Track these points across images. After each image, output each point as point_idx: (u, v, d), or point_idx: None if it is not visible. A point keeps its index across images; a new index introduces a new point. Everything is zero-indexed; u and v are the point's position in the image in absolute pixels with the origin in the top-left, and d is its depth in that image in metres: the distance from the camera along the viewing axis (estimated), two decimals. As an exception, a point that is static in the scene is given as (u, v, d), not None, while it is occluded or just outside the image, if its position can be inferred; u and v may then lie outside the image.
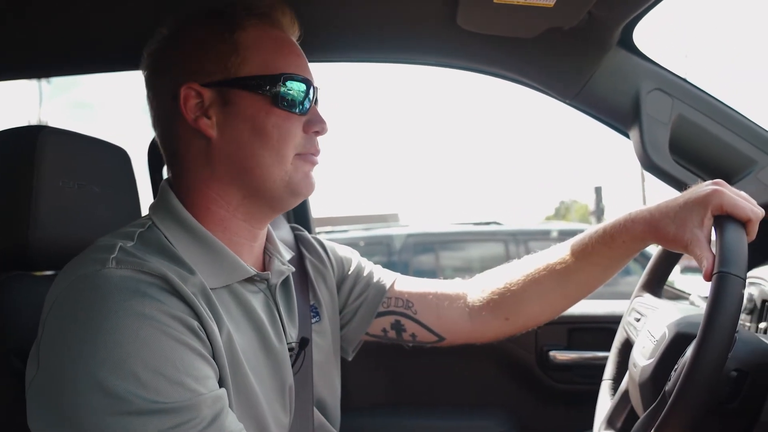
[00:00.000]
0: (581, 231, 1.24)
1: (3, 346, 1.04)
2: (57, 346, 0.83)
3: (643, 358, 1.17)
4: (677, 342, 1.09)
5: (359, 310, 1.34)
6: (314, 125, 1.06)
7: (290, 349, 1.10)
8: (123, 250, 0.91)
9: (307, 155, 1.06)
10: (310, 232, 1.52)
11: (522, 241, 7.37)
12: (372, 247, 7.29)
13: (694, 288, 1.85)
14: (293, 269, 1.17)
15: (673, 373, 1.01)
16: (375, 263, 1.44)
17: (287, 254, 1.19)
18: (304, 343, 1.13)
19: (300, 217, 2.23)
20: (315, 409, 1.20)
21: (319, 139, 1.09)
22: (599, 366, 1.55)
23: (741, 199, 0.99)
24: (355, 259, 1.40)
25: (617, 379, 1.44)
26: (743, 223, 0.97)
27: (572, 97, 1.60)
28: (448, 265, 7.55)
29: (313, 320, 1.24)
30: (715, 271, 0.89)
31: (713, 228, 1.00)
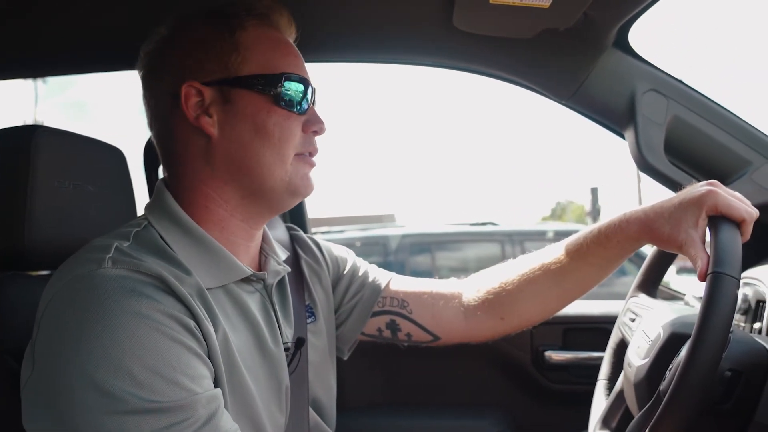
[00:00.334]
0: (577, 232, 1.25)
1: (-2, 346, 1.04)
2: (52, 346, 0.83)
3: (638, 358, 1.17)
4: (672, 342, 1.09)
5: (354, 310, 1.34)
6: (313, 125, 1.07)
7: (286, 349, 1.10)
8: (119, 250, 0.91)
9: (306, 156, 1.07)
10: (306, 232, 1.52)
11: (518, 241, 7.37)
12: (368, 248, 7.29)
13: (689, 288, 1.85)
14: (289, 269, 1.17)
15: (667, 373, 1.01)
16: (371, 264, 1.44)
17: (283, 254, 1.19)
18: (300, 343, 1.13)
19: (296, 217, 2.23)
20: (311, 409, 1.20)
21: (317, 139, 1.10)
22: (594, 366, 1.55)
23: (735, 200, 1.00)
24: (350, 258, 1.40)
25: (612, 379, 1.44)
26: (737, 224, 0.98)
27: (568, 97, 1.60)
28: (445, 266, 7.55)
29: (309, 320, 1.24)
30: (709, 272, 0.89)
31: (708, 228, 1.00)
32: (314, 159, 1.09)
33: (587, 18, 1.36)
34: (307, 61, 1.11)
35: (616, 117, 1.57)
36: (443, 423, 2.02)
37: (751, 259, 1.40)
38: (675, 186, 1.40)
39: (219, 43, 1.02)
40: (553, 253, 1.25)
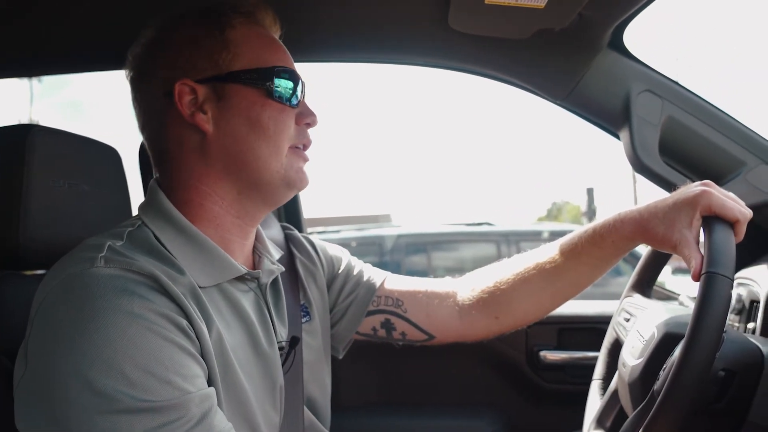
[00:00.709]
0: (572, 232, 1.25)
1: (-8, 346, 1.03)
2: (45, 345, 0.83)
3: (632, 357, 1.17)
4: (666, 342, 1.09)
5: (349, 309, 1.34)
6: (306, 117, 1.08)
7: (280, 349, 1.10)
8: (112, 249, 0.91)
9: (300, 150, 1.08)
10: (301, 231, 1.52)
11: (514, 241, 7.38)
12: (364, 248, 7.29)
13: (683, 288, 1.86)
14: (283, 269, 1.17)
15: (661, 372, 1.02)
16: (367, 263, 1.44)
17: (276, 253, 1.19)
18: (294, 342, 1.14)
19: (291, 216, 2.23)
20: (306, 409, 1.20)
21: (311, 132, 1.11)
22: (589, 366, 1.56)
23: (729, 200, 1.00)
24: (345, 258, 1.40)
25: (607, 379, 1.45)
26: (731, 224, 0.98)
27: (563, 98, 1.60)
28: (440, 266, 7.55)
29: (304, 320, 1.24)
30: (703, 272, 0.90)
31: (702, 229, 1.00)
32: (308, 153, 1.10)
33: (582, 18, 1.37)
34: (302, 61, 1.12)
35: (611, 117, 1.57)
36: (438, 422, 2.03)
37: (744, 259, 1.40)
38: (669, 186, 1.41)
39: (209, 41, 1.03)
40: (548, 252, 1.25)
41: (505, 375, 2.05)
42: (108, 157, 1.31)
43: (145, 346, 0.81)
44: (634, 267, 1.48)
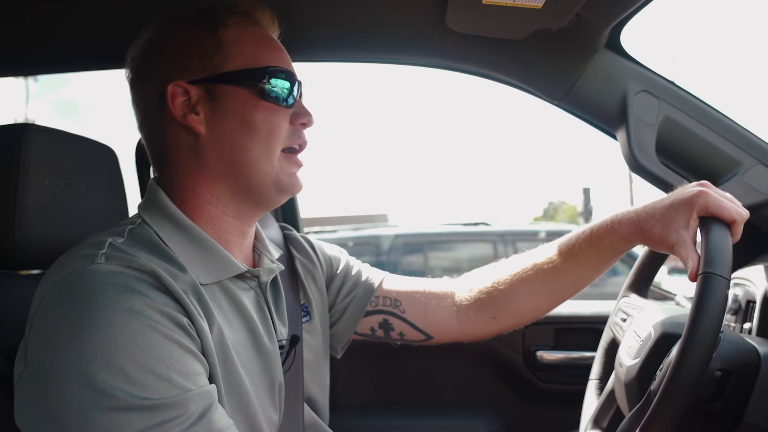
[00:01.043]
0: (569, 232, 1.25)
1: (-12, 346, 1.03)
2: (45, 343, 0.82)
3: (629, 357, 1.18)
4: (663, 342, 1.09)
5: (348, 309, 1.34)
6: (301, 117, 1.07)
7: (281, 347, 1.10)
8: (112, 246, 0.90)
9: (293, 156, 1.07)
10: (298, 231, 1.52)
11: (510, 241, 7.39)
12: (361, 248, 7.29)
13: (680, 288, 1.86)
14: (282, 267, 1.17)
15: (658, 372, 1.02)
16: (365, 264, 1.44)
17: (276, 253, 1.19)
18: (294, 340, 1.14)
19: (288, 217, 2.23)
20: (307, 407, 1.20)
21: (307, 134, 1.10)
22: (586, 366, 1.56)
23: (726, 201, 1.00)
24: (343, 258, 1.40)
25: (604, 379, 1.45)
26: (728, 225, 0.98)
27: (560, 98, 1.60)
28: (437, 266, 7.56)
29: (304, 319, 1.24)
30: (700, 272, 0.90)
31: (699, 229, 1.00)
32: (303, 157, 1.10)
33: (579, 19, 1.37)
34: (299, 61, 1.11)
35: (608, 118, 1.57)
36: (435, 422, 2.03)
37: (741, 260, 1.40)
38: (666, 187, 1.41)
39: (202, 42, 1.02)
40: (546, 252, 1.25)
41: (503, 375, 2.05)
42: (104, 156, 1.30)
43: (145, 344, 0.81)
44: (630, 267, 1.48)
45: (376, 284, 1.35)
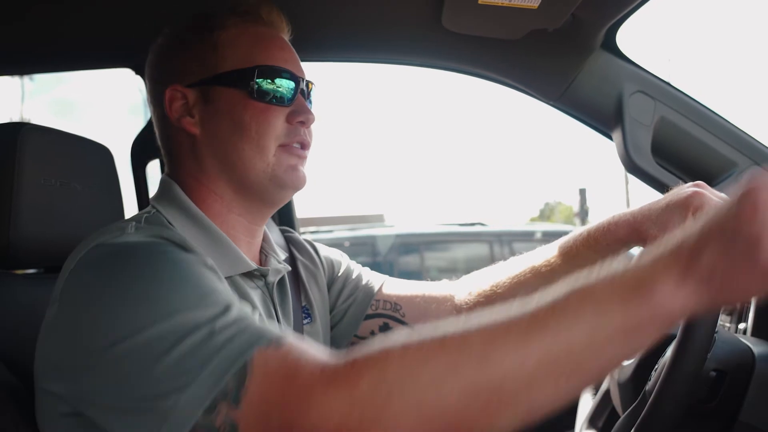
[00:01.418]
0: (566, 232, 1.25)
1: (-18, 346, 1.03)
2: (83, 305, 0.80)
3: (624, 358, 1.18)
4: (658, 342, 1.10)
5: (348, 313, 1.33)
6: (298, 115, 1.05)
7: None
8: (137, 225, 0.90)
9: (291, 147, 1.05)
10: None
11: (507, 242, 7.40)
12: (357, 248, 7.29)
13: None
14: (289, 268, 1.17)
15: (653, 373, 1.02)
16: (360, 264, 1.44)
17: (282, 254, 1.19)
18: None
19: (285, 217, 2.22)
20: None
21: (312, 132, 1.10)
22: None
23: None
24: (344, 261, 1.40)
25: (599, 379, 1.45)
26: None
27: (556, 98, 1.61)
28: (433, 266, 7.57)
29: (305, 321, 1.23)
30: None
31: (694, 230, 1.00)
32: (305, 151, 1.08)
33: (575, 19, 1.37)
34: (294, 61, 1.10)
35: (603, 118, 1.58)
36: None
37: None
38: (662, 187, 1.41)
39: (198, 45, 1.03)
40: (543, 255, 1.25)
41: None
42: (100, 155, 1.30)
43: (193, 274, 0.81)
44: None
45: (376, 288, 1.34)
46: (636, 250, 1.36)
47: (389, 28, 1.55)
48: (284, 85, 1.04)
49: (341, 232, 8.19)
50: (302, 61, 1.13)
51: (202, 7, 1.10)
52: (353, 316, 1.33)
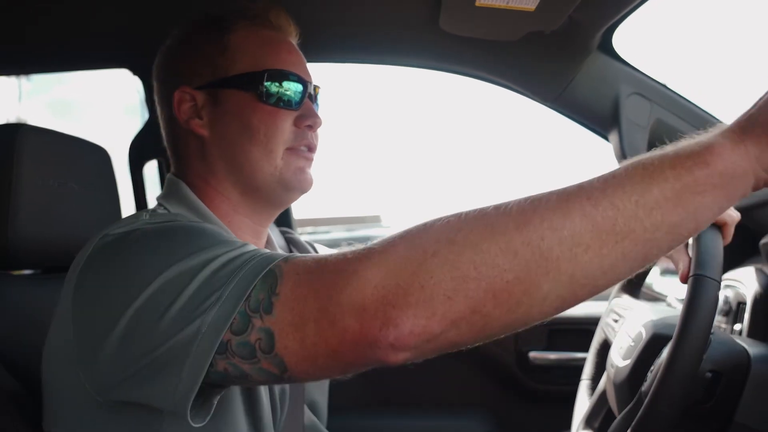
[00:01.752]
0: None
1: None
2: (105, 280, 0.79)
3: (620, 358, 1.18)
4: (654, 343, 1.10)
5: None
6: (306, 119, 1.05)
7: None
8: (151, 214, 0.90)
9: (298, 150, 1.05)
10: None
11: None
12: (354, 248, 7.26)
13: (671, 290, 1.87)
14: None
15: (649, 374, 1.02)
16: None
17: None
18: None
19: (282, 218, 2.22)
20: (307, 410, 1.20)
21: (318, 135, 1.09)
22: (578, 367, 1.56)
23: None
24: None
25: (595, 379, 1.46)
26: (719, 227, 0.99)
27: (553, 100, 1.61)
28: (430, 267, 7.54)
29: None
30: (690, 275, 0.90)
31: (690, 231, 1.00)
32: (312, 154, 1.07)
33: (572, 21, 1.37)
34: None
35: (600, 119, 1.58)
36: (429, 423, 2.03)
37: (732, 261, 1.41)
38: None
39: (208, 47, 1.03)
40: None
41: (495, 376, 2.05)
42: (97, 156, 1.30)
43: (208, 230, 0.80)
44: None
45: None
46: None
47: (386, 30, 1.55)
48: (292, 88, 1.04)
49: (339, 233, 8.17)
50: None
51: (200, 7, 1.10)
52: None
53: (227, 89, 1.02)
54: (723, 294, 1.34)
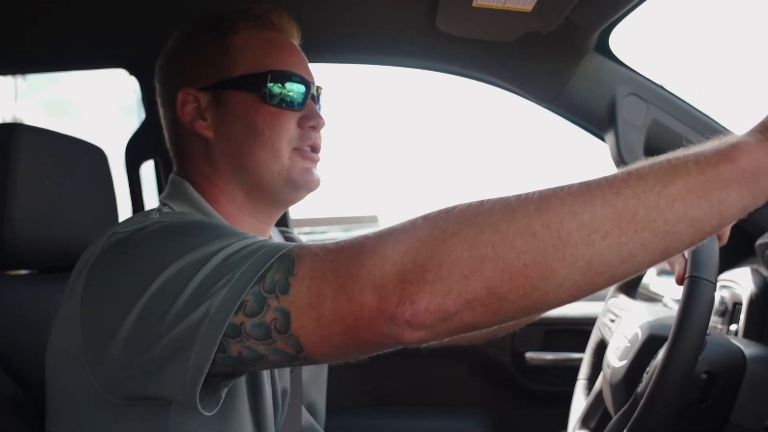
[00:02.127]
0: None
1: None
2: (113, 278, 0.78)
3: (616, 359, 1.18)
4: (649, 344, 1.10)
5: None
6: (309, 120, 1.06)
7: None
8: (160, 213, 0.90)
9: (305, 151, 1.06)
10: (289, 233, 1.52)
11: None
12: (351, 248, 7.26)
13: (667, 290, 1.87)
14: None
15: (645, 374, 1.03)
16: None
17: None
18: None
19: (279, 218, 2.22)
20: (305, 412, 1.20)
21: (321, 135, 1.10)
22: (574, 367, 1.56)
23: None
24: None
25: (592, 379, 1.46)
26: (715, 228, 0.99)
27: (550, 100, 1.61)
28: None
29: None
30: (686, 276, 0.91)
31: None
32: (317, 154, 1.08)
33: (569, 22, 1.38)
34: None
35: (596, 120, 1.58)
36: (426, 424, 2.03)
37: (728, 262, 1.41)
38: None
39: (211, 49, 1.03)
40: None
41: (493, 376, 2.06)
42: (94, 156, 1.30)
43: (219, 225, 0.81)
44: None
45: None
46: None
47: (384, 30, 1.55)
48: (295, 89, 1.04)
49: (335, 233, 8.19)
50: None
51: (196, 8, 1.10)
52: None
53: (230, 90, 1.02)
54: (719, 295, 1.34)
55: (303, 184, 1.05)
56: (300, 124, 1.05)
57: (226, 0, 1.09)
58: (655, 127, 1.51)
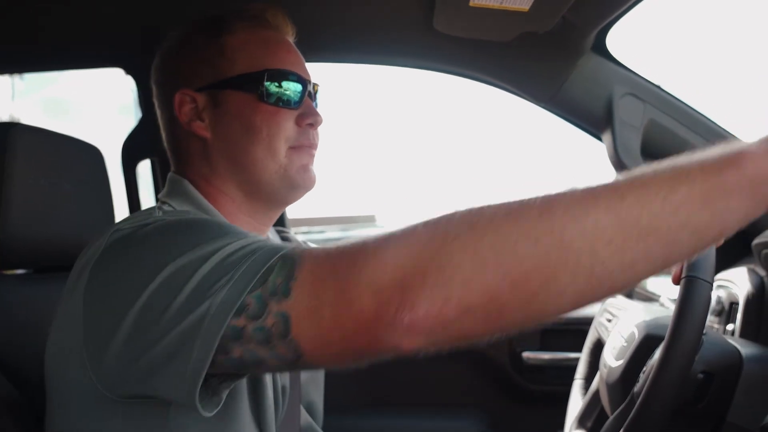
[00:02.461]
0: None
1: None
2: (116, 276, 0.78)
3: (613, 359, 1.18)
4: (646, 344, 1.10)
5: None
6: (307, 118, 1.06)
7: None
8: (163, 211, 0.90)
9: (303, 149, 1.06)
10: (286, 233, 1.52)
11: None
12: (349, 248, 7.26)
13: (664, 290, 1.88)
14: None
15: (641, 374, 1.03)
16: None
17: None
18: None
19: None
20: (303, 411, 1.20)
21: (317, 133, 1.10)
22: (571, 367, 1.57)
23: None
24: None
25: (589, 379, 1.46)
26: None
27: (547, 100, 1.61)
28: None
29: None
30: (683, 276, 0.91)
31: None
32: (314, 151, 1.08)
33: (566, 22, 1.38)
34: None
35: (593, 120, 1.58)
36: (423, 423, 2.03)
37: (724, 262, 1.42)
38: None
39: (208, 49, 1.03)
40: None
41: (489, 376, 2.06)
42: (90, 156, 1.30)
43: (223, 224, 0.81)
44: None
45: None
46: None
47: (380, 30, 1.55)
48: (292, 88, 1.04)
49: (333, 233, 8.18)
50: None
51: (193, 8, 1.10)
52: None
53: (227, 90, 1.02)
54: (715, 294, 1.35)
55: (300, 183, 1.05)
56: (298, 122, 1.05)
57: (224, 0, 1.09)
58: (652, 126, 1.51)
